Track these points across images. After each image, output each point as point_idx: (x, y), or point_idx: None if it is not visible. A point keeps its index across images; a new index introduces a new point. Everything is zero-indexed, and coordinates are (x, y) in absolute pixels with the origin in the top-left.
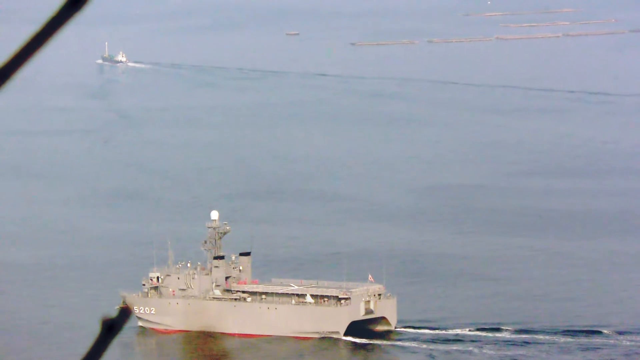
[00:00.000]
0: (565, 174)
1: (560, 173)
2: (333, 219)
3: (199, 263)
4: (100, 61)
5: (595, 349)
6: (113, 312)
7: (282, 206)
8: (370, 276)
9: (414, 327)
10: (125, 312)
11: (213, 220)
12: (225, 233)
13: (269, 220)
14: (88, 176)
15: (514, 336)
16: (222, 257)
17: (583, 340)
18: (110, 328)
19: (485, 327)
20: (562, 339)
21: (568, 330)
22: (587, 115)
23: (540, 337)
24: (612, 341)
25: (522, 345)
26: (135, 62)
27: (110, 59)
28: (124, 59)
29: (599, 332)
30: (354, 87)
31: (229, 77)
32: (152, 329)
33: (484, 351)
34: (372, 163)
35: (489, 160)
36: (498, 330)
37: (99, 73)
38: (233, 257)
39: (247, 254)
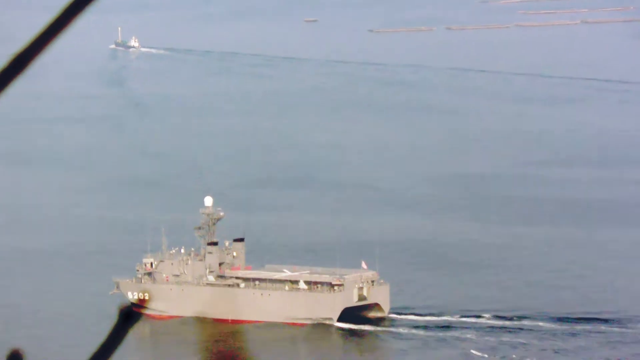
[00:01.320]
0: (582, 163)
1: (577, 162)
2: (346, 207)
3: (192, 249)
4: (113, 46)
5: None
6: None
7: (295, 194)
8: (363, 263)
9: (415, 314)
10: (142, 301)
11: (207, 206)
12: (219, 219)
13: (279, 208)
14: (101, 163)
15: (507, 323)
16: (215, 243)
17: (577, 327)
18: (127, 316)
19: (481, 314)
20: (553, 325)
21: (564, 318)
22: (604, 104)
23: (535, 323)
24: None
25: (515, 331)
26: (148, 47)
27: (123, 45)
28: (136, 45)
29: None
30: (371, 74)
31: (245, 64)
32: (146, 314)
33: (479, 337)
34: (387, 151)
35: (505, 149)
36: (493, 317)
37: (112, 59)
38: (227, 243)
39: (241, 240)
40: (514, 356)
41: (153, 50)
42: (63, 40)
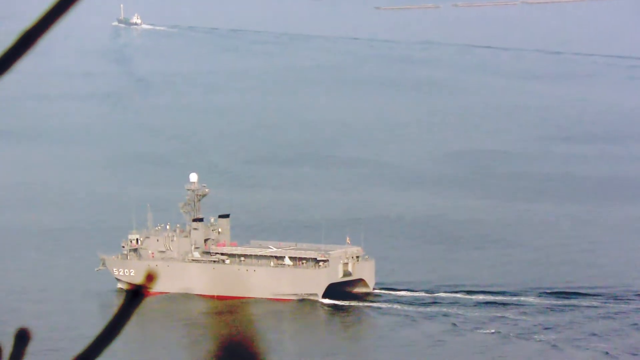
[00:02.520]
0: (591, 140)
1: (586, 138)
2: (353, 184)
3: (178, 225)
4: (115, 23)
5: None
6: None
7: (299, 171)
8: (348, 238)
9: (400, 290)
10: (149, 278)
11: (192, 182)
12: (204, 195)
13: (284, 186)
14: (104, 141)
15: (496, 298)
16: (201, 220)
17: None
18: (135, 294)
19: (469, 290)
20: (544, 301)
21: (556, 293)
22: (614, 80)
23: (522, 299)
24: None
25: (504, 306)
26: (151, 24)
27: (126, 22)
28: (139, 22)
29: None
30: (379, 51)
31: (251, 41)
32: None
33: (465, 312)
34: (395, 128)
35: (512, 126)
36: (482, 293)
37: (115, 36)
38: (212, 220)
39: (226, 216)
40: (500, 331)
41: (156, 27)
42: (66, 17)
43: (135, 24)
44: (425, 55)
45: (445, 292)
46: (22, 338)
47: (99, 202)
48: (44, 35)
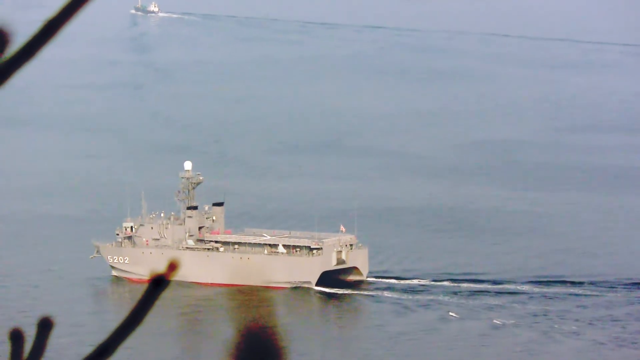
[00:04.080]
0: (614, 129)
1: (609, 128)
2: (373, 174)
3: (172, 213)
4: (133, 11)
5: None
6: (161, 267)
7: (323, 160)
8: (341, 226)
9: (393, 277)
10: (172, 267)
11: (186, 170)
12: (198, 183)
13: (304, 175)
14: (122, 130)
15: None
16: (195, 208)
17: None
18: (157, 283)
19: (463, 278)
20: (539, 289)
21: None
22: (637, 69)
23: (515, 287)
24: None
25: (498, 295)
26: (168, 12)
27: (143, 10)
28: (156, 9)
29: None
30: (402, 40)
31: (273, 30)
32: (126, 278)
33: (458, 301)
34: (417, 117)
35: (536, 116)
36: (475, 281)
37: (133, 25)
38: (206, 208)
39: (221, 204)
40: (495, 321)
41: (173, 15)
42: (88, 6)
43: (153, 11)
44: (449, 44)
45: (441, 280)
46: (45, 326)
47: (111, 190)
48: (66, 24)
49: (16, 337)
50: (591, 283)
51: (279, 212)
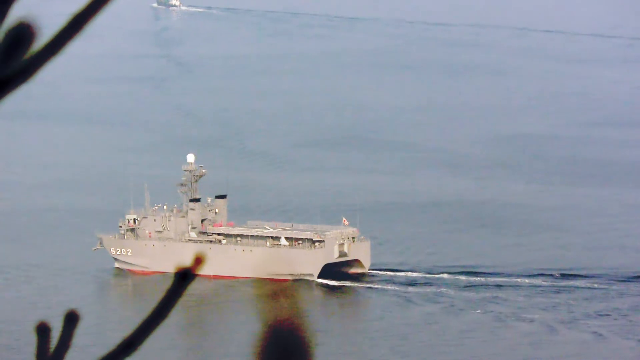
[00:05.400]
0: None
1: (636, 123)
2: (399, 168)
3: (175, 205)
4: (155, 4)
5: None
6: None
7: (347, 155)
8: (344, 219)
9: (395, 270)
10: (198, 261)
11: (189, 163)
12: (201, 176)
13: (329, 169)
14: (146, 124)
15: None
16: (198, 200)
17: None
18: (183, 277)
19: (467, 271)
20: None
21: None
22: None
23: (519, 280)
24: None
25: (497, 288)
26: (189, 6)
27: (165, 3)
28: (177, 3)
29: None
30: (429, 34)
31: (296, 24)
32: (129, 270)
33: (460, 293)
34: (442, 112)
35: (563, 110)
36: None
37: (155, 19)
38: (209, 200)
39: (223, 196)
40: (492, 311)
41: (194, 9)
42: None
43: (174, 5)
44: (477, 39)
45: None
46: (72, 319)
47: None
48: (94, 18)
49: (43, 330)
50: (616, 277)
51: (289, 205)
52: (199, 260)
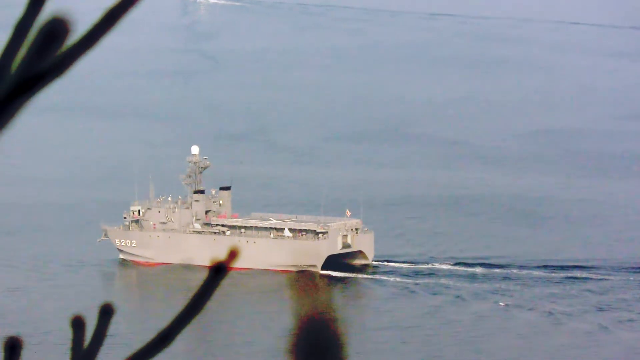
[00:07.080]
0: None
1: None
2: (431, 162)
3: (179, 197)
4: None
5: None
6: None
7: (381, 149)
8: (347, 211)
9: (399, 262)
10: (232, 255)
11: (193, 154)
12: (205, 167)
13: (353, 162)
14: (183, 118)
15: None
16: (202, 192)
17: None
18: (218, 270)
19: (471, 262)
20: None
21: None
22: None
23: (518, 272)
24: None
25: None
26: None
27: None
28: None
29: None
30: (467, 28)
31: (330, 17)
32: (133, 261)
33: (464, 284)
34: (478, 106)
35: (598, 104)
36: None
37: (183, 13)
38: (213, 192)
39: (227, 188)
40: (501, 303)
41: (223, 2)
42: None
43: None
44: (514, 32)
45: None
46: (107, 312)
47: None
48: (128, 12)
49: (78, 324)
50: None
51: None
52: (233, 254)
